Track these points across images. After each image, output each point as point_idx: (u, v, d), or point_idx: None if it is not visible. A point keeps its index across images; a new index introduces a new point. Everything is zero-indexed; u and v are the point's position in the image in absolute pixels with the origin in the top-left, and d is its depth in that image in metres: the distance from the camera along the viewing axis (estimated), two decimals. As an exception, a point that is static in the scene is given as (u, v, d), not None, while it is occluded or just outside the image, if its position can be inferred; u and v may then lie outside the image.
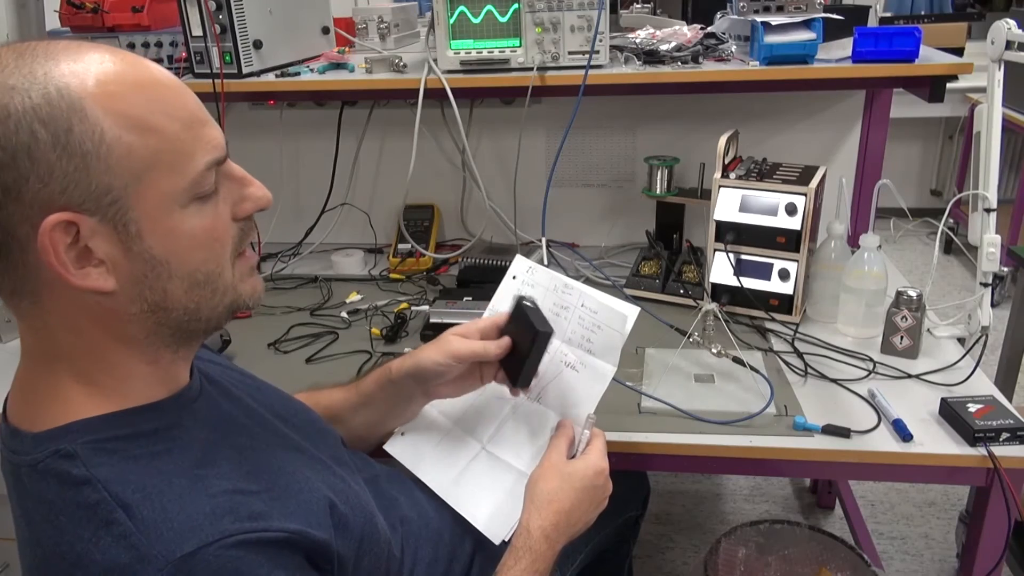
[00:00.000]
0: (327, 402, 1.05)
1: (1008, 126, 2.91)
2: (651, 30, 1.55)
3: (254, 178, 0.72)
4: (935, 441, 1.12)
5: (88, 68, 0.61)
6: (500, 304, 1.08)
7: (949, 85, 1.38)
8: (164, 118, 0.63)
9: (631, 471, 1.27)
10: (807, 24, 1.38)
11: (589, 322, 1.02)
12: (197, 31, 1.45)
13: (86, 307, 0.66)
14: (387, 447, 1.07)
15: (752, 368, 1.28)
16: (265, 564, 0.66)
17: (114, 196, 0.61)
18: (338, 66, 1.61)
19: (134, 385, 0.70)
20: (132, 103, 0.62)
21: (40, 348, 0.69)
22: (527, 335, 0.96)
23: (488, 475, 1.03)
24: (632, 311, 1.02)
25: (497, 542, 0.97)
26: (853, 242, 1.47)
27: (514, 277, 1.08)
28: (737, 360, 1.28)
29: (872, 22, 1.73)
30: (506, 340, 0.98)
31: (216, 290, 0.70)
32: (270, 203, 0.73)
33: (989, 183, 1.34)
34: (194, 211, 0.66)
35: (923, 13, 4.05)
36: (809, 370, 1.31)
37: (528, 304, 0.97)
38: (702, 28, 1.53)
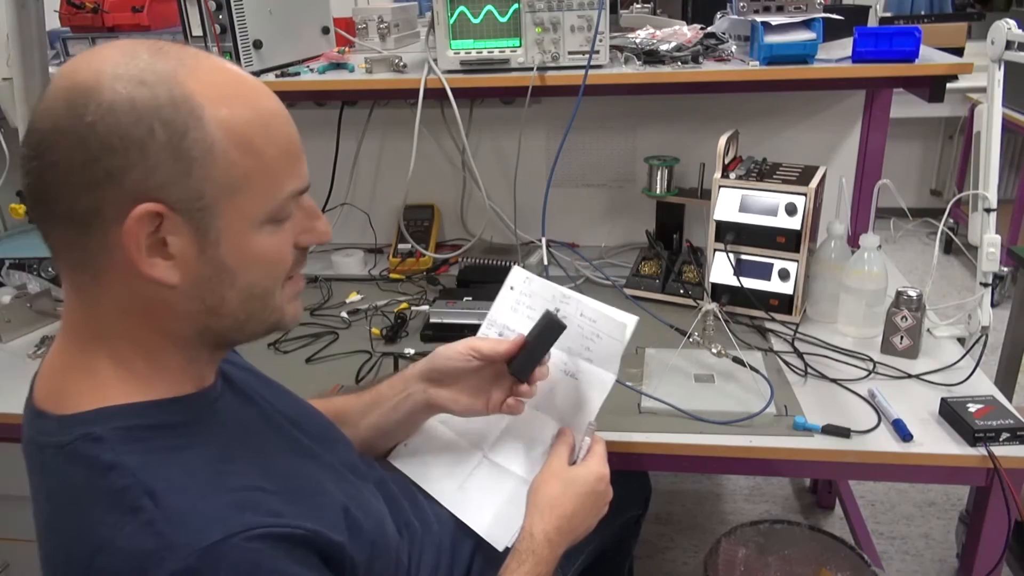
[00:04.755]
0: (339, 404, 1.05)
1: (1008, 126, 2.91)
2: (651, 30, 1.55)
3: (322, 213, 0.77)
4: (935, 441, 1.12)
5: (215, 79, 0.65)
6: (499, 314, 1.08)
7: (949, 85, 1.38)
8: (268, 143, 0.67)
9: (633, 471, 1.27)
10: (807, 24, 1.38)
11: (588, 331, 1.02)
12: (197, 31, 1.45)
13: (144, 295, 0.67)
14: (391, 459, 1.07)
15: (752, 368, 1.28)
16: (284, 558, 0.66)
17: (205, 202, 0.65)
18: (338, 66, 1.61)
19: (166, 377, 0.71)
20: (245, 123, 0.65)
21: (84, 326, 0.70)
22: (538, 329, 0.97)
23: (490, 483, 1.03)
24: (631, 320, 1.02)
25: (500, 548, 0.97)
26: (853, 242, 1.47)
27: (512, 288, 1.08)
28: (737, 360, 1.28)
29: (872, 22, 1.74)
30: (520, 337, 0.98)
31: (267, 306, 0.73)
32: (329, 239, 0.78)
33: (989, 183, 1.34)
34: (268, 231, 0.69)
35: (923, 13, 4.05)
36: (809, 370, 1.31)
37: (552, 311, 0.98)
38: (702, 28, 1.53)
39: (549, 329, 0.97)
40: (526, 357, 0.97)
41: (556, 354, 1.04)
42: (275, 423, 0.83)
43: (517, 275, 1.09)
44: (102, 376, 0.69)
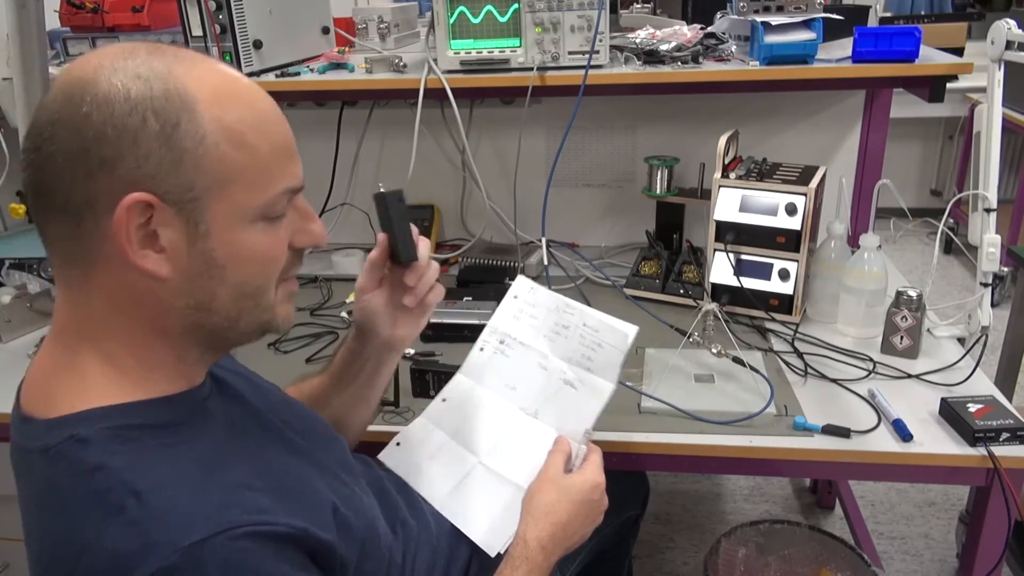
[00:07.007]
0: (310, 389, 1.05)
1: (1008, 126, 2.90)
2: (651, 30, 1.54)
3: (318, 217, 0.78)
4: (935, 441, 1.13)
5: (210, 77, 0.67)
6: (500, 322, 1.09)
7: (949, 85, 1.38)
8: (260, 139, 0.68)
9: (631, 471, 1.27)
10: (807, 24, 1.38)
11: (590, 340, 1.03)
12: (197, 31, 1.45)
13: (135, 289, 0.68)
14: (382, 457, 1.07)
15: (752, 368, 1.28)
16: (271, 557, 0.66)
17: (196, 194, 0.65)
18: (338, 66, 1.61)
19: (156, 375, 0.72)
20: (238, 118, 0.67)
21: (75, 325, 0.71)
22: (382, 213, 0.95)
23: (485, 488, 1.03)
24: (632, 330, 1.03)
25: (493, 554, 0.97)
26: (853, 242, 1.47)
27: (515, 297, 1.10)
28: (737, 360, 1.28)
29: (872, 22, 1.73)
30: (382, 237, 0.96)
31: (259, 305, 0.73)
32: (324, 242, 0.79)
33: (989, 183, 1.34)
34: (260, 228, 0.70)
35: (923, 13, 4.05)
36: (809, 370, 1.31)
37: (386, 193, 0.95)
38: (702, 28, 1.53)
39: (386, 205, 0.94)
40: (398, 240, 0.95)
41: (557, 363, 1.05)
42: (265, 422, 0.83)
43: (521, 284, 1.10)
44: (91, 376, 0.70)
